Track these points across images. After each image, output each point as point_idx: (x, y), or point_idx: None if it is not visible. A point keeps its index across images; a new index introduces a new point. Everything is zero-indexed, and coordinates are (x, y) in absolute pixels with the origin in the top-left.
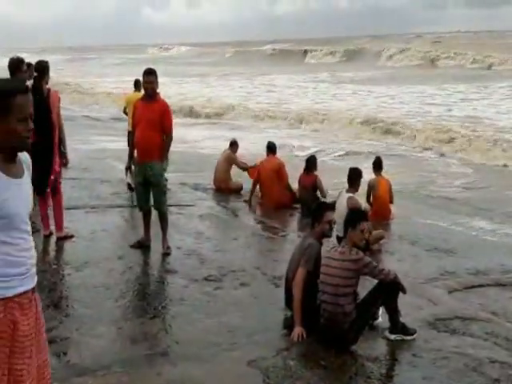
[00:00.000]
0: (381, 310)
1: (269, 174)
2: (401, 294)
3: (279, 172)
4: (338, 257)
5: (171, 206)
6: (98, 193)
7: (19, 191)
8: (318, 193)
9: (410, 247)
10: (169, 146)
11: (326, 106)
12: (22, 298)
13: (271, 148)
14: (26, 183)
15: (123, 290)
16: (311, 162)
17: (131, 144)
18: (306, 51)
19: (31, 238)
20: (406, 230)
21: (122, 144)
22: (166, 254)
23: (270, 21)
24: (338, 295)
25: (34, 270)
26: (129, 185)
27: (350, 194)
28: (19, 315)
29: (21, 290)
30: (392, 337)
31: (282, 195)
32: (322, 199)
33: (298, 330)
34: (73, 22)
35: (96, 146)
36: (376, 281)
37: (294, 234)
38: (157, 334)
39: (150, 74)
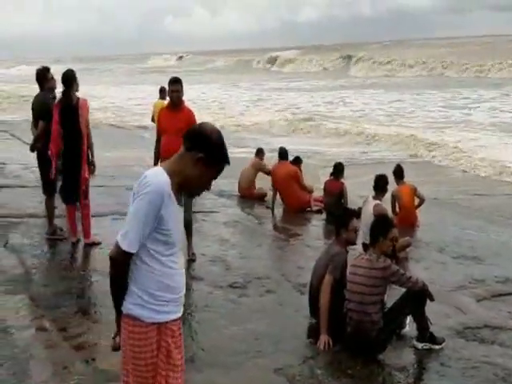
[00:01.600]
0: (408, 319)
1: (284, 178)
2: (428, 303)
3: (295, 176)
4: (365, 265)
5: (196, 212)
6: (124, 200)
7: (180, 219)
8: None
9: (437, 255)
10: None
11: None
12: (173, 325)
13: (283, 154)
14: (181, 210)
15: None
16: (339, 169)
17: (157, 151)
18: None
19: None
20: (432, 237)
21: (148, 151)
22: (191, 260)
23: (292, 28)
24: (365, 304)
25: (184, 297)
26: None
27: (377, 201)
28: (171, 342)
29: (173, 316)
30: (420, 346)
31: (300, 196)
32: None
33: (324, 338)
34: (96, 33)
35: (122, 153)
36: (403, 289)
37: (318, 241)
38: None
39: (175, 82)
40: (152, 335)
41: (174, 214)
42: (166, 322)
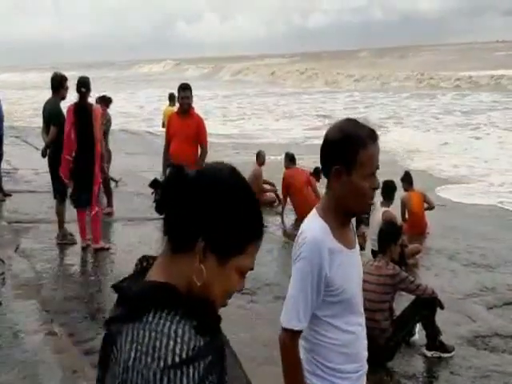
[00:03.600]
0: (418, 327)
1: (300, 183)
2: (438, 310)
3: (310, 182)
4: (374, 271)
5: None
6: (134, 206)
7: (355, 265)
8: None
9: (447, 262)
10: (204, 158)
11: None
12: None
13: (293, 159)
14: (357, 254)
15: None
16: None
17: (165, 157)
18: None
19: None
20: (443, 244)
21: (158, 157)
22: None
23: (302, 34)
24: (374, 311)
25: (367, 366)
26: None
27: (386, 208)
28: None
29: None
30: (429, 354)
31: (313, 204)
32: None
33: None
34: (109, 38)
35: (132, 159)
36: (412, 296)
37: None
38: None
39: (185, 89)
40: None
41: (343, 266)
42: None
